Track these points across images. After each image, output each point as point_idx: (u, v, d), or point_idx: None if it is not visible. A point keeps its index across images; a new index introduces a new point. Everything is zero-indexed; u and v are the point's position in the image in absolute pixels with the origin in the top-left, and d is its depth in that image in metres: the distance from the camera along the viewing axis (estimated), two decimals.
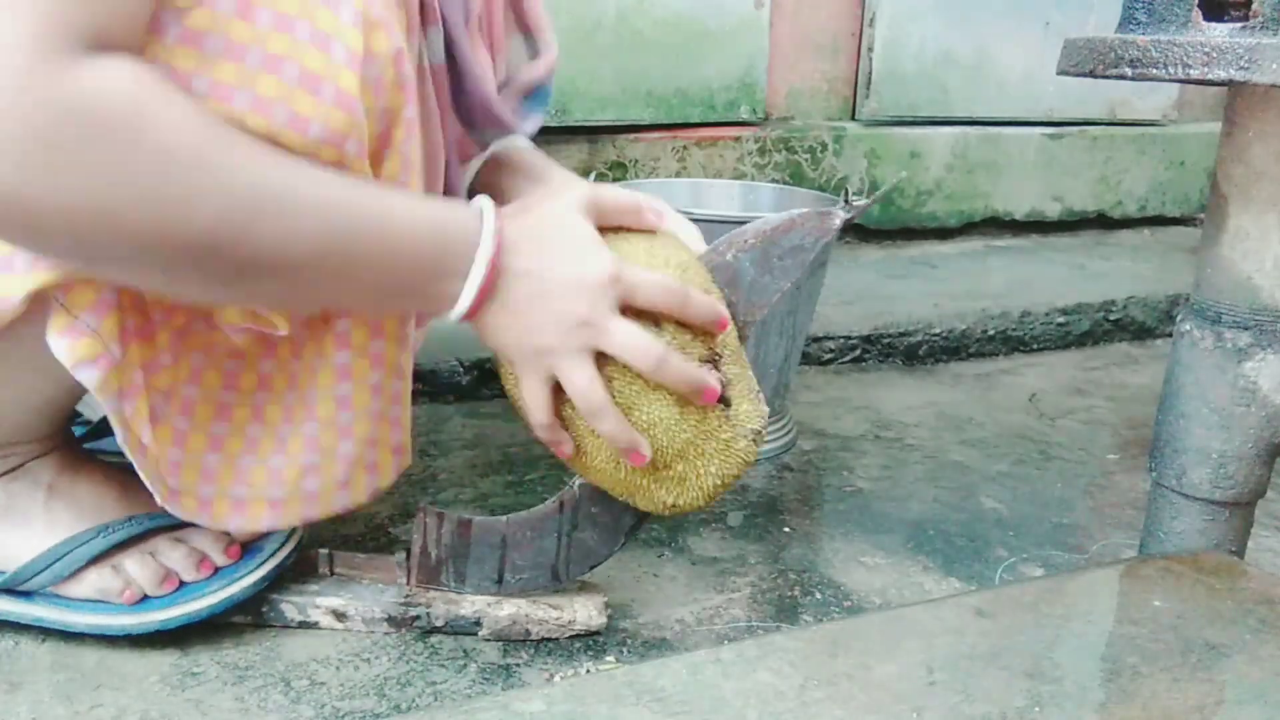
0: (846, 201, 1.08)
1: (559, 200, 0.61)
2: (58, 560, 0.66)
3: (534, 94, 0.78)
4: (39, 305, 0.54)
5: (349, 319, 0.63)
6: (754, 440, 0.63)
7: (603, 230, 0.61)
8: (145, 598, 0.67)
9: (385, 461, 0.68)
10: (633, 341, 0.58)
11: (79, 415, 0.79)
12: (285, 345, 0.63)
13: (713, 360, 0.61)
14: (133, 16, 0.50)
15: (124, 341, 0.58)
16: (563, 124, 1.56)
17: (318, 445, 0.64)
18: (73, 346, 0.54)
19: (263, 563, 0.69)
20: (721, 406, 0.61)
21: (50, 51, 0.45)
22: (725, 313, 0.61)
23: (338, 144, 0.55)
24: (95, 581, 0.66)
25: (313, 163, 0.55)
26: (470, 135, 0.73)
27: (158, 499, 0.62)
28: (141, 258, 0.51)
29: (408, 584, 0.71)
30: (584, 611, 0.69)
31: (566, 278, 0.58)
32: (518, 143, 0.82)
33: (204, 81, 0.52)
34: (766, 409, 0.64)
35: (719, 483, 0.63)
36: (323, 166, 0.55)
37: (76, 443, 0.73)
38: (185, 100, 0.50)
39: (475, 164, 0.80)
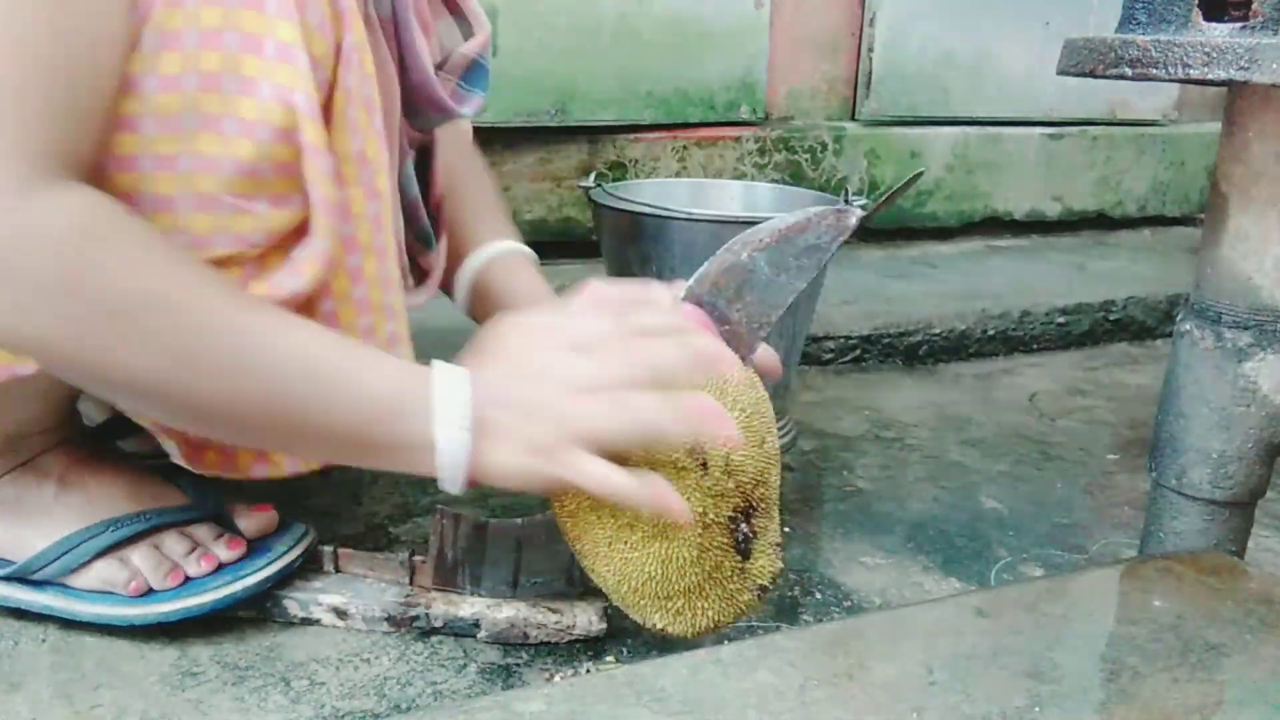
0: (846, 201, 1.08)
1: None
2: (66, 553, 0.67)
3: (471, 75, 0.76)
4: None
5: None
6: (759, 595, 0.63)
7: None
8: (151, 590, 0.67)
9: None
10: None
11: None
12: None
13: (747, 512, 0.61)
14: (91, 133, 0.51)
15: None
16: (563, 124, 1.56)
17: None
18: None
19: (270, 563, 0.69)
20: (740, 558, 0.61)
21: (3, 181, 0.47)
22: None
23: (286, 99, 0.55)
24: (102, 572, 0.67)
25: (281, 313, 0.55)
26: (410, 121, 0.72)
27: (173, 457, 0.64)
28: (92, 385, 0.54)
29: (410, 584, 0.71)
30: (584, 617, 0.69)
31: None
32: (516, 258, 0.81)
33: (152, 80, 0.52)
34: (781, 564, 0.63)
35: (712, 624, 0.62)
36: (288, 312, 0.56)
37: (87, 437, 0.74)
38: (140, 238, 0.51)
39: (472, 268, 0.79)
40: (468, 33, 0.77)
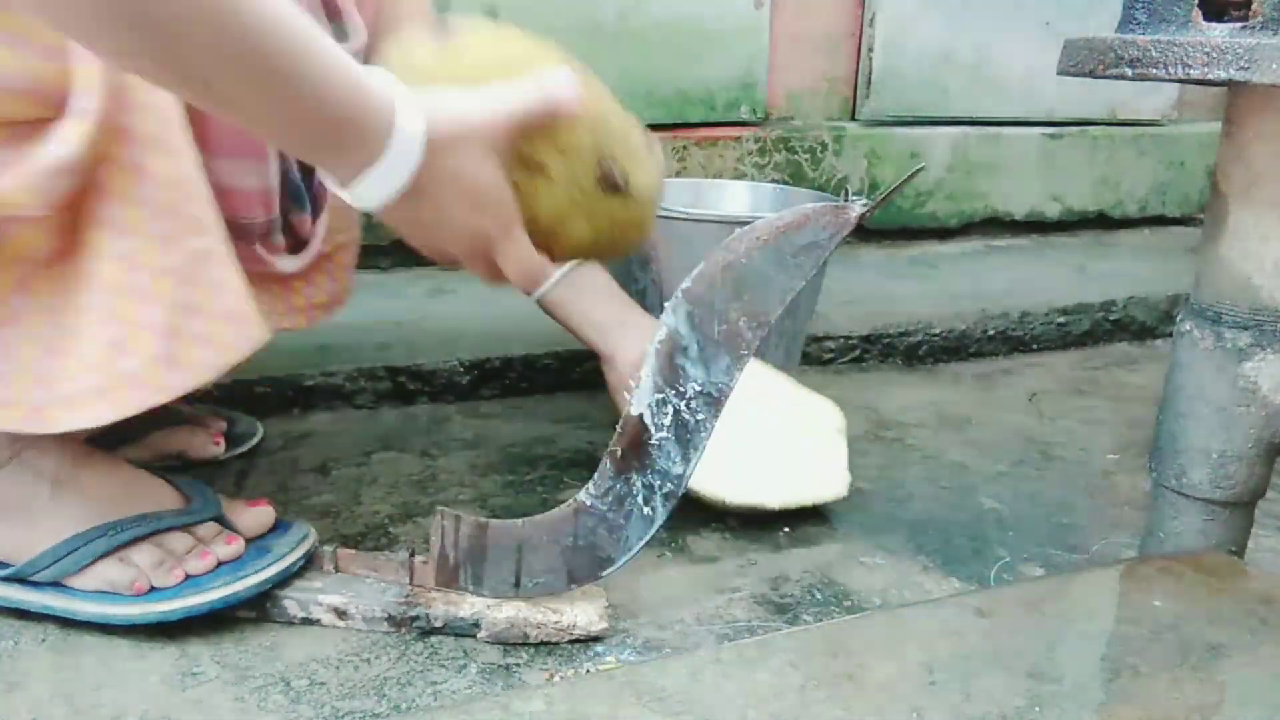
0: (846, 201, 1.08)
1: (476, 142, 0.60)
2: (65, 556, 0.66)
3: None
4: None
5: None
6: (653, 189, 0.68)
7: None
8: (152, 589, 0.67)
9: (221, 332, 0.62)
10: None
11: None
12: (64, 213, 0.58)
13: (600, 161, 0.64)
14: None
15: None
16: None
17: (114, 315, 0.59)
18: None
19: (271, 564, 0.69)
20: (617, 194, 0.65)
21: None
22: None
23: None
24: (102, 574, 0.67)
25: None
26: None
27: None
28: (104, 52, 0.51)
29: (410, 584, 0.71)
30: (584, 616, 0.69)
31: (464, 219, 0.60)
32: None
33: None
34: (659, 159, 0.68)
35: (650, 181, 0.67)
36: None
37: (77, 435, 0.74)
38: None
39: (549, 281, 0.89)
40: (342, 36, 0.77)
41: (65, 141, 0.55)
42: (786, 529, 0.89)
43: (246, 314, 0.63)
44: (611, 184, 0.65)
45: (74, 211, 0.59)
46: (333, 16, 0.77)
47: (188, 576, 0.68)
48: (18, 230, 0.58)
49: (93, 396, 0.60)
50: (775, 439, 0.89)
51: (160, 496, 0.71)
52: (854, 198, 1.08)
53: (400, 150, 0.55)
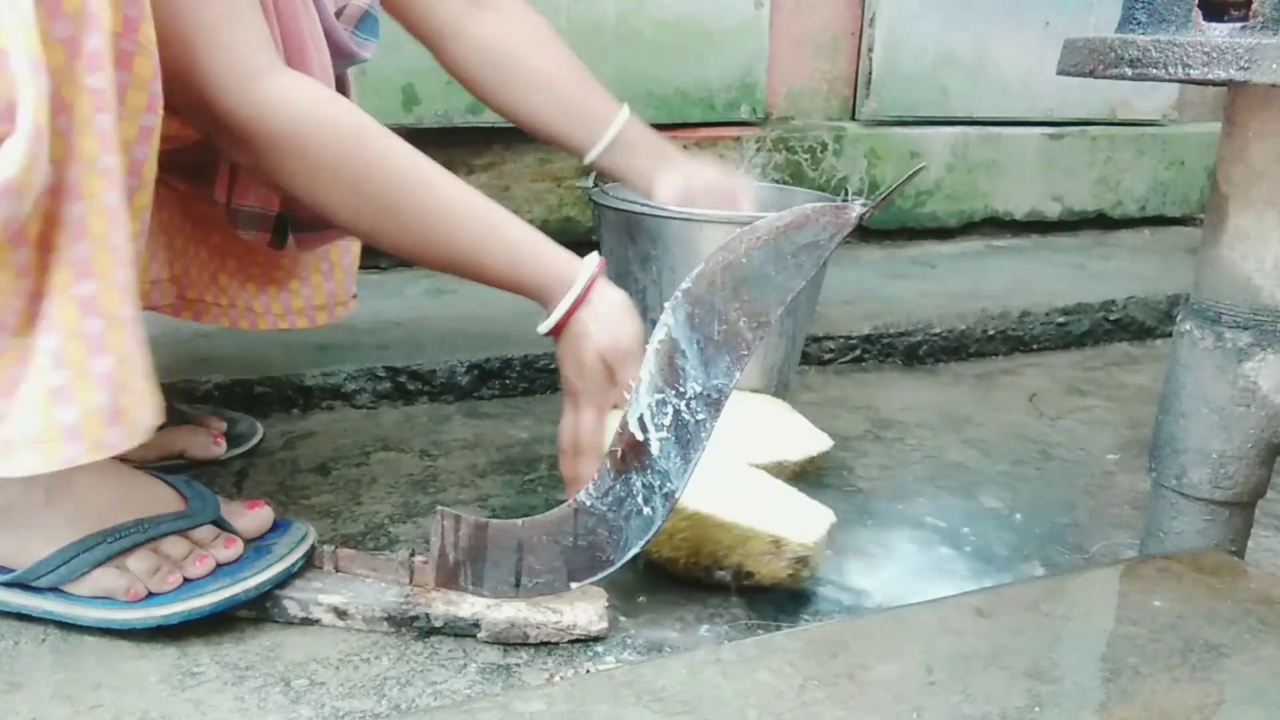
0: (845, 201, 1.08)
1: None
2: (63, 565, 0.66)
3: (363, 25, 0.84)
4: None
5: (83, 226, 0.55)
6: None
7: None
8: (150, 594, 0.67)
9: (148, 394, 0.60)
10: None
11: None
12: (32, 248, 0.55)
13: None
14: None
15: None
16: None
17: (62, 360, 0.55)
18: None
19: (270, 565, 0.69)
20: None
21: (269, 66, 0.67)
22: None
23: None
24: (100, 581, 0.67)
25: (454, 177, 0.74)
26: None
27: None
28: (319, 208, 0.72)
29: (410, 584, 0.71)
30: (584, 616, 0.69)
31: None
32: (626, 118, 0.98)
33: None
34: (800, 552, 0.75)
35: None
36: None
37: None
38: (354, 112, 0.71)
39: (599, 147, 0.97)
40: None
41: (8, 162, 0.51)
42: None
43: (152, 387, 0.61)
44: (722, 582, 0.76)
45: (47, 251, 0.56)
46: None
47: (186, 581, 0.67)
48: None
49: (26, 445, 0.56)
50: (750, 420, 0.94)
51: (158, 499, 0.71)
52: (854, 198, 1.08)
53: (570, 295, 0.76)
